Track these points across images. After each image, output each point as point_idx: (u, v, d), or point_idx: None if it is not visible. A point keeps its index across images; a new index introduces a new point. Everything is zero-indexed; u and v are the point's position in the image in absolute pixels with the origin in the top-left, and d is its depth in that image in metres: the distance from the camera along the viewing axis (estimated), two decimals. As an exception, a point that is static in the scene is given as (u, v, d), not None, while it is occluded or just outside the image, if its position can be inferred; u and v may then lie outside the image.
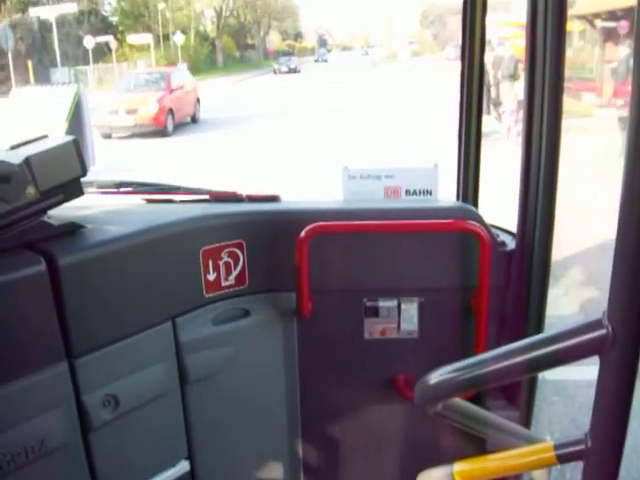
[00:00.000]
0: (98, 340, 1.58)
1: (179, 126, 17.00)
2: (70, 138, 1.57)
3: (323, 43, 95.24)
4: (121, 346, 1.62)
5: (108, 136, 15.53)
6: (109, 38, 34.96)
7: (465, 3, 2.01)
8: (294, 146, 12.93)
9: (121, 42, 38.93)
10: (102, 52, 35.35)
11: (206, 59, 45.55)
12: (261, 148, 12.90)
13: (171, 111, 16.55)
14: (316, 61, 60.53)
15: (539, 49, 1.68)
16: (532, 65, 1.71)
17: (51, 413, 1.48)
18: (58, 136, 1.65)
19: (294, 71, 43.78)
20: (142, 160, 12.34)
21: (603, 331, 0.86)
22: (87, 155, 1.68)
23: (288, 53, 55.35)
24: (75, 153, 1.55)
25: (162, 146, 14.34)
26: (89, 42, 31.72)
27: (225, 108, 20.87)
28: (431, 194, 1.99)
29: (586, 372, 1.42)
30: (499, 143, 10.66)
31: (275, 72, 42.51)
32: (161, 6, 42.73)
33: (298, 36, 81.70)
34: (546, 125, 1.70)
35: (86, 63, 32.51)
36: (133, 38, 39.00)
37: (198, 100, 18.97)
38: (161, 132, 15.98)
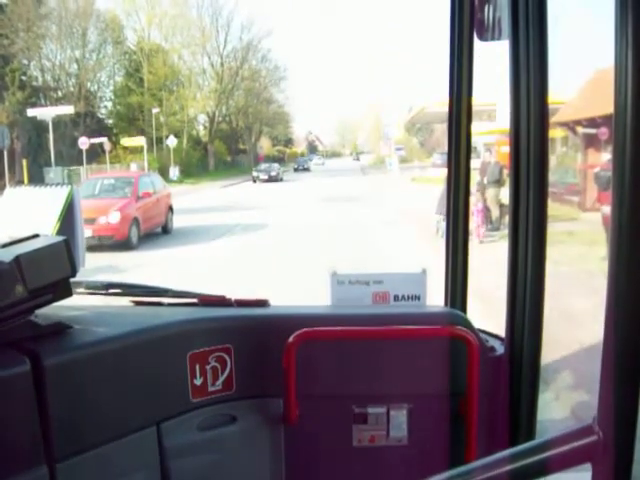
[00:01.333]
0: (81, 444, 1.54)
1: (148, 237, 15.11)
2: (61, 238, 1.59)
3: (313, 149, 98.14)
4: (104, 451, 1.58)
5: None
6: (103, 140, 35.66)
7: (451, 112, 2.10)
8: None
9: (115, 144, 39.91)
10: (96, 153, 36.12)
11: (198, 163, 46.35)
12: (226, 269, 10.66)
13: (136, 221, 14.69)
14: (296, 170, 56.27)
15: (523, 155, 1.75)
16: (516, 171, 1.77)
17: None
18: (49, 236, 1.68)
19: (275, 180, 40.67)
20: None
21: (594, 437, 0.86)
22: (77, 256, 1.70)
23: (274, 159, 54.43)
24: (65, 253, 1.56)
25: (118, 261, 12.06)
26: (83, 143, 32.21)
27: (205, 215, 19.39)
28: (419, 299, 2.01)
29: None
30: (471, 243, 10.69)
31: (254, 180, 39.71)
32: (155, 110, 43.98)
33: (289, 142, 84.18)
34: (531, 229, 1.75)
35: (80, 163, 33.09)
36: (127, 140, 39.94)
37: (171, 208, 17.10)
38: (124, 244, 13.96)
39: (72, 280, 1.61)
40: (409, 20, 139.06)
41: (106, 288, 2.03)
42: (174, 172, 39.75)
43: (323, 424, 1.91)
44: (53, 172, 30.17)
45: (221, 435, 1.84)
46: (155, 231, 16.14)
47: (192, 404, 1.80)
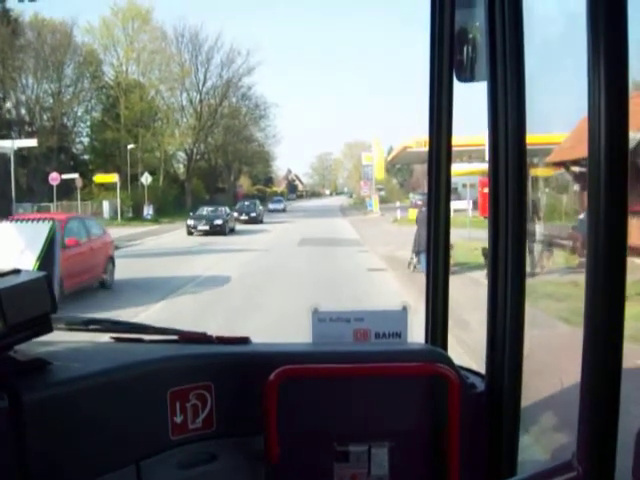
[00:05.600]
0: None
1: (79, 293, 11.61)
2: (42, 274, 1.62)
3: (293, 189, 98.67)
4: None
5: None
6: (75, 176, 35.15)
7: (431, 151, 2.17)
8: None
9: (90, 181, 39.60)
10: (70, 190, 35.72)
11: (175, 201, 45.48)
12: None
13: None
14: (270, 211, 50.86)
15: (501, 195, 1.83)
16: (495, 211, 1.85)
17: None
18: (30, 271, 1.71)
19: (255, 221, 36.01)
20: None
21: (573, 473, 0.89)
22: (57, 291, 1.72)
23: (254, 199, 49.41)
24: (46, 289, 1.59)
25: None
26: (54, 179, 31.75)
27: (168, 260, 17.78)
28: (400, 337, 2.05)
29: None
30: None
31: (189, 232, 29.10)
32: (130, 146, 43.47)
33: (269, 181, 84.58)
34: (511, 267, 1.82)
35: (51, 200, 32.80)
36: (100, 177, 39.56)
37: (112, 259, 14.80)
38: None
39: (52, 316, 1.64)
40: (389, 60, 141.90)
41: (86, 324, 2.05)
42: (148, 210, 39.21)
43: (304, 462, 1.93)
44: (22, 208, 29.89)
45: (201, 474, 1.85)
46: (91, 285, 13.30)
47: (172, 442, 1.81)
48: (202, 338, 2.05)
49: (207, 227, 29.25)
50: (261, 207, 41.39)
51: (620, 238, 1.12)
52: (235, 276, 15.02)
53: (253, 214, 37.79)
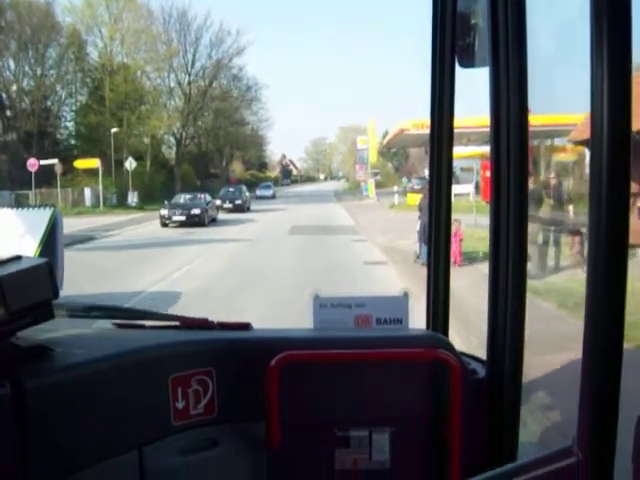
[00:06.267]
0: (61, 468, 1.61)
1: None
2: (43, 260, 1.67)
3: (287, 174, 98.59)
4: (85, 475, 1.65)
5: None
6: (54, 161, 34.52)
7: (432, 136, 2.22)
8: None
9: (73, 167, 39.11)
10: (52, 176, 35.17)
11: (163, 187, 44.60)
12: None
13: None
14: (257, 198, 48.54)
15: (503, 180, 1.89)
16: (497, 195, 1.91)
17: None
18: (31, 257, 1.76)
19: (240, 209, 33.80)
20: None
21: (573, 459, 0.93)
22: (58, 278, 1.78)
23: (247, 183, 48.21)
24: (48, 275, 1.63)
25: None
26: (32, 165, 31.32)
27: (132, 258, 16.04)
28: (401, 323, 2.12)
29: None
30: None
31: (164, 223, 27.05)
32: (114, 130, 42.70)
33: (263, 166, 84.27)
34: (512, 251, 1.89)
35: (30, 187, 32.21)
36: (80, 163, 38.87)
37: None
38: None
39: (54, 302, 1.69)
40: (387, 43, 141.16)
41: (88, 311, 2.11)
42: (132, 197, 38.67)
43: (305, 448, 2.00)
44: (0, 197, 29.56)
45: (203, 459, 1.92)
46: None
47: (174, 428, 1.87)
48: (204, 324, 2.11)
49: (183, 217, 27.02)
50: (248, 194, 38.99)
51: (622, 226, 1.15)
52: (212, 274, 13.68)
53: (238, 201, 35.57)
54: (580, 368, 1.19)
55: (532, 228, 10.91)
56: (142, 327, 2.11)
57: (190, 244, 19.82)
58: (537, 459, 1.01)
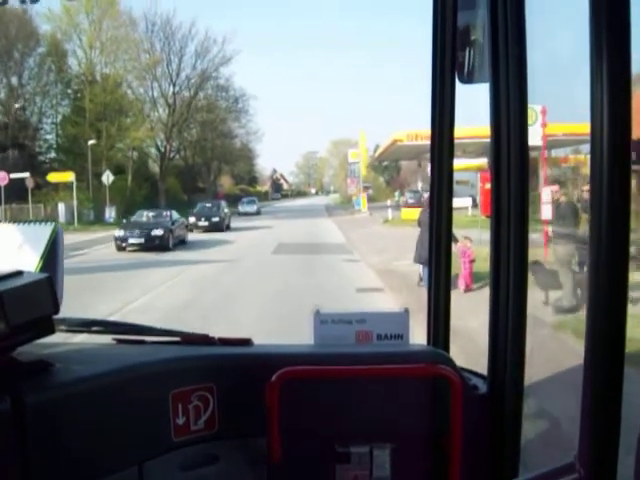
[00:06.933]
0: None
1: None
2: (44, 275, 1.72)
3: (278, 188, 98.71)
4: None
5: None
6: (25, 175, 33.78)
7: (433, 150, 2.28)
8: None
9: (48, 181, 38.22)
10: (26, 190, 34.32)
11: (146, 202, 42.44)
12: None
13: None
14: (240, 214, 45.32)
15: (503, 195, 1.96)
16: (498, 210, 1.98)
17: None
18: (32, 273, 1.81)
19: (217, 228, 30.13)
20: None
21: (575, 475, 0.98)
22: (59, 293, 1.83)
23: (236, 199, 46.61)
24: (49, 291, 1.69)
25: None
26: (2, 179, 30.62)
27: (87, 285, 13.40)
28: (402, 338, 2.17)
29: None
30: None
31: (119, 247, 22.86)
32: (91, 142, 41.89)
33: (253, 180, 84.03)
34: (513, 267, 1.95)
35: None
36: (54, 176, 37.97)
37: None
38: None
39: (54, 317, 1.74)
40: (378, 55, 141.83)
41: (88, 326, 2.16)
42: (110, 213, 37.72)
43: (306, 463, 2.04)
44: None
45: (203, 475, 1.97)
46: None
47: (174, 443, 1.92)
48: (204, 339, 2.17)
49: (142, 240, 22.72)
50: (227, 210, 35.46)
51: (622, 236, 1.21)
52: (172, 306, 11.99)
53: (215, 219, 31.84)
54: (581, 384, 1.23)
55: (567, 249, 10.58)
56: (143, 342, 2.16)
57: (161, 266, 18.21)
58: (539, 475, 1.05)
